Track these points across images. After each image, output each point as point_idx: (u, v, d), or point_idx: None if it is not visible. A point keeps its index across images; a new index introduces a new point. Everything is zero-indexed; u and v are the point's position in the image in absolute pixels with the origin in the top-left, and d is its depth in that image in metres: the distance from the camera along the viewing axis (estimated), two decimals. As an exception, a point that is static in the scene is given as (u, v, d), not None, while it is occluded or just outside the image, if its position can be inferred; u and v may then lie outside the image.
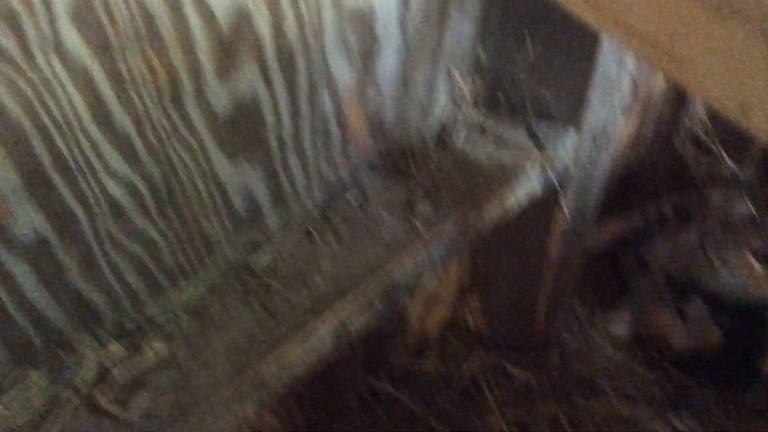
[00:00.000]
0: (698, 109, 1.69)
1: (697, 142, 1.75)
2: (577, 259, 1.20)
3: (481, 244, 1.25)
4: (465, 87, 0.93)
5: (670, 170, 1.70)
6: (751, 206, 1.21)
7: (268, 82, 0.67)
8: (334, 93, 0.76)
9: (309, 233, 0.83)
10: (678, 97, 1.57)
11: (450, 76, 0.90)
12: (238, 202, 0.75)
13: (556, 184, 0.96)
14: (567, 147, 0.94)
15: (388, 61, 0.79)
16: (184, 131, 0.64)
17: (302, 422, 1.13)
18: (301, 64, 0.69)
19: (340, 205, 0.85)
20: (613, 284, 1.52)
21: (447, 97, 0.92)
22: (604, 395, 1.23)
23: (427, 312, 1.30)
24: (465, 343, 1.32)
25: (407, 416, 1.21)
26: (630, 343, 1.38)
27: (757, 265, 1.20)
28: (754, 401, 1.32)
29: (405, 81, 0.84)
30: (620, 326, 1.39)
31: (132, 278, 0.70)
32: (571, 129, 0.94)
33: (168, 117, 0.62)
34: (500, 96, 0.97)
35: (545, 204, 1.05)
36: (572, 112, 0.93)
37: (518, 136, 0.94)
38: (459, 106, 0.95)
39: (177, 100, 0.62)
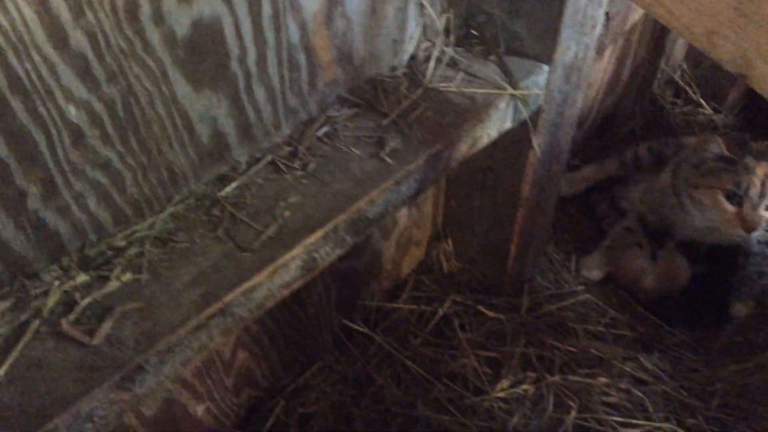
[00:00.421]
0: (677, 55, 1.69)
1: (675, 89, 1.75)
2: (551, 201, 1.21)
3: (454, 186, 1.25)
4: (437, 20, 0.92)
5: (648, 116, 1.71)
6: (724, 148, 1.21)
7: (229, 3, 0.66)
8: (300, 20, 0.74)
9: (278, 168, 0.82)
10: (656, 43, 1.56)
11: (422, 9, 0.89)
12: (203, 133, 0.74)
13: (528, 121, 0.96)
14: (540, 83, 0.94)
15: (356, -11, 0.78)
16: (143, 54, 0.62)
17: (276, 360, 1.14)
18: (264, -13, 0.68)
19: (309, 139, 0.84)
20: (589, 229, 1.53)
21: (419, 30, 0.91)
22: (575, 335, 1.25)
23: (401, 254, 1.31)
24: (439, 285, 1.33)
25: (381, 356, 1.23)
26: (602, 285, 1.40)
27: (729, 207, 1.20)
28: (723, 342, 1.35)
29: (375, 11, 0.82)
30: (593, 270, 1.41)
31: (96, 207, 0.69)
32: (543, 65, 0.93)
33: (126, 39, 0.61)
34: (473, 30, 0.96)
35: (518, 145, 1.05)
36: (545, 47, 0.92)
37: (491, 71, 0.93)
38: (431, 41, 0.93)
39: (135, 21, 0.60)
